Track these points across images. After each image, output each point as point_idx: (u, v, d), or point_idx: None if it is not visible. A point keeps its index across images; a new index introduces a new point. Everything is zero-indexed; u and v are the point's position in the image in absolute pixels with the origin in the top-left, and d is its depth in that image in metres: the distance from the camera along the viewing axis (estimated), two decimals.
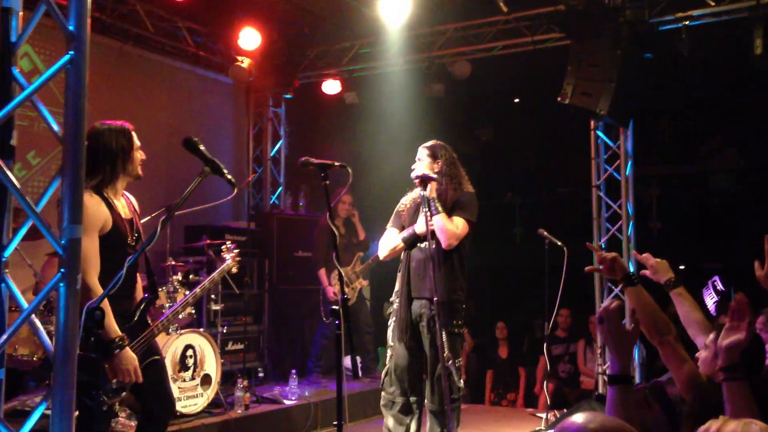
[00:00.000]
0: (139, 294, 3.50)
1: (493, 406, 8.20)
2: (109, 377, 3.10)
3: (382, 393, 4.43)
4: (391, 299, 4.50)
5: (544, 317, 6.30)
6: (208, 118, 8.43)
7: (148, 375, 3.30)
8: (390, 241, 4.46)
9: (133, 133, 3.38)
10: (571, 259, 5.82)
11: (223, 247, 4.40)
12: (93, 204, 3.15)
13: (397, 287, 4.42)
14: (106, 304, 3.01)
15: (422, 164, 4.39)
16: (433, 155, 4.42)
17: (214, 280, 4.07)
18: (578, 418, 1.56)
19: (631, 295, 2.98)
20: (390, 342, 4.39)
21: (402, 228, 4.46)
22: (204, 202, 3.59)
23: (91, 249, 3.08)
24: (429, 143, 4.50)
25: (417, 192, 4.33)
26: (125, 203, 3.42)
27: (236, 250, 4.31)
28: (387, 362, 4.41)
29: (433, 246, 4.09)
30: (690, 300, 3.13)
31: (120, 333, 3.11)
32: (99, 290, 3.04)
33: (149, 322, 3.45)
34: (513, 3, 6.96)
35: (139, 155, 3.40)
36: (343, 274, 3.96)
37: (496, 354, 8.80)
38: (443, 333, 4.07)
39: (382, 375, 4.43)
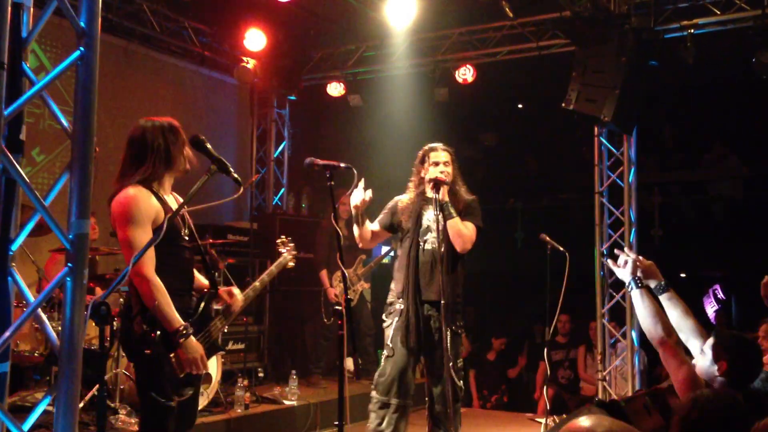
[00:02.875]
0: (201, 285, 3.44)
1: (483, 409, 8.23)
2: (176, 370, 3.04)
3: (374, 395, 4.33)
4: (389, 300, 4.43)
5: (545, 323, 6.29)
6: (213, 118, 8.45)
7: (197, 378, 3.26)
8: (357, 231, 4.41)
9: (181, 129, 3.28)
10: (572, 265, 5.83)
11: (279, 241, 4.22)
12: (143, 197, 3.07)
13: (398, 288, 4.36)
14: (167, 296, 3.00)
15: (450, 168, 4.37)
16: (453, 159, 4.43)
17: (273, 273, 3.94)
18: (585, 421, 1.56)
19: (635, 297, 3.03)
20: (389, 343, 4.30)
21: (390, 226, 4.46)
22: (208, 201, 3.59)
23: (145, 240, 2.96)
24: (445, 146, 4.46)
25: (411, 193, 4.39)
26: (174, 199, 3.32)
27: (292, 244, 4.19)
28: (383, 363, 4.32)
29: (442, 248, 4.11)
30: (683, 304, 3.14)
31: (183, 322, 3.05)
32: (158, 282, 2.98)
33: (212, 315, 3.39)
34: (518, 8, 6.97)
35: (187, 151, 3.28)
36: (347, 275, 3.98)
37: (485, 357, 8.97)
38: (449, 334, 4.09)
39: (376, 377, 4.36)
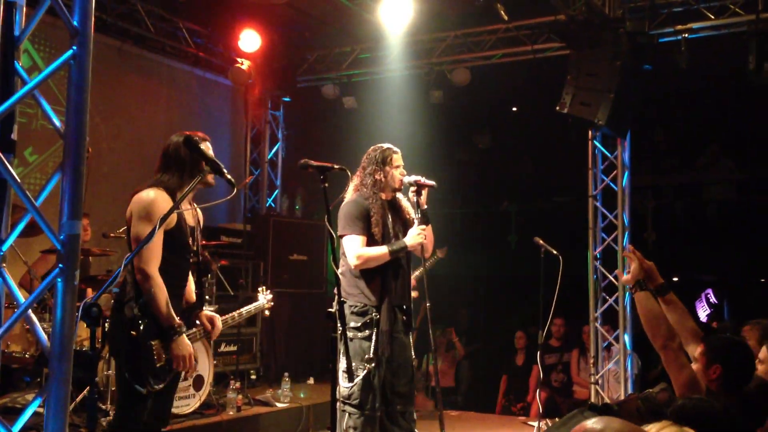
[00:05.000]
0: (190, 297, 3.57)
1: (479, 413, 8.19)
2: (156, 358, 3.17)
3: (358, 411, 4.00)
4: (359, 310, 4.11)
5: (538, 326, 6.29)
6: (207, 119, 8.42)
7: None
8: (374, 253, 4.09)
9: (208, 144, 3.43)
10: (565, 268, 5.83)
11: (260, 288, 4.43)
12: (162, 199, 3.23)
13: (371, 298, 4.10)
14: (166, 294, 3.17)
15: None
16: None
17: (247, 313, 4.10)
18: (597, 424, 1.54)
19: (639, 299, 3.05)
20: (371, 355, 4.02)
21: (371, 236, 4.13)
22: (202, 202, 3.59)
23: (156, 241, 3.16)
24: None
25: (363, 195, 4.17)
26: (192, 212, 3.50)
27: (271, 296, 4.36)
28: (362, 377, 3.99)
29: (433, 257, 4.20)
30: (682, 306, 3.16)
31: (179, 321, 3.22)
32: (159, 280, 3.14)
33: (195, 327, 3.53)
34: (513, 12, 6.98)
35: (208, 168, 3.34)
36: (341, 277, 3.97)
37: (513, 361, 8.80)
38: (411, 338, 4.22)
39: (357, 391, 4.00)
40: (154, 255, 3.17)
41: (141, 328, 3.13)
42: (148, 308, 3.15)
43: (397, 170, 4.24)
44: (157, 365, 3.18)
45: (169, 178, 3.31)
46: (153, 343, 3.17)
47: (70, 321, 1.95)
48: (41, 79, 2.00)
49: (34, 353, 4.92)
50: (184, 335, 3.24)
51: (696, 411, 2.29)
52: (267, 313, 4.38)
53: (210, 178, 3.33)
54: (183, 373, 3.34)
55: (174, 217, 3.27)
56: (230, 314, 3.95)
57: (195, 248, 3.48)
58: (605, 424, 1.54)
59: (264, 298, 4.32)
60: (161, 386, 3.24)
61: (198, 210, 3.59)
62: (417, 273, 7.11)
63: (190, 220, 3.46)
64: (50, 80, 2.04)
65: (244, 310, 4.08)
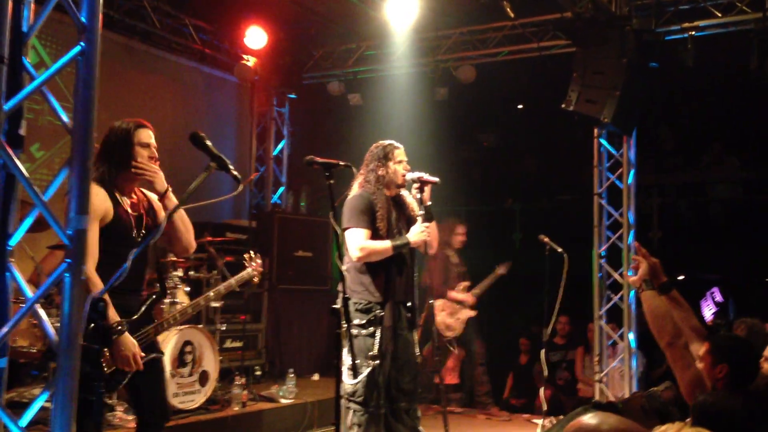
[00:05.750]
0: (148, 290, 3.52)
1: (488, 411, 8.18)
2: (105, 365, 3.08)
3: (362, 408, 4.03)
4: (363, 307, 4.12)
5: (542, 323, 6.30)
6: (212, 116, 8.44)
7: (147, 374, 3.27)
8: (377, 246, 4.10)
9: (138, 130, 3.34)
10: (570, 266, 5.82)
11: (246, 255, 4.13)
12: (93, 195, 3.08)
13: (375, 295, 4.12)
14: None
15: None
16: None
17: (231, 286, 3.91)
18: (591, 419, 1.56)
19: (645, 298, 3.06)
20: (375, 352, 4.01)
21: (375, 231, 4.14)
22: (207, 199, 3.59)
23: (90, 239, 3.04)
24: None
25: (381, 193, 4.19)
26: (139, 199, 3.42)
27: (259, 261, 4.09)
28: (366, 373, 3.97)
29: (428, 251, 4.21)
30: (686, 305, 3.17)
31: (118, 319, 3.10)
32: (96, 279, 3.03)
33: (154, 319, 3.43)
34: (519, 9, 6.97)
35: (143, 151, 3.34)
36: (345, 274, 3.97)
37: (517, 360, 8.78)
38: (415, 334, 4.22)
39: (361, 388, 4.02)
40: (88, 254, 3.06)
41: (85, 335, 3.05)
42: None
43: (399, 165, 4.25)
44: (107, 371, 3.09)
45: (101, 169, 3.24)
46: (104, 349, 3.04)
47: (78, 315, 1.96)
48: (49, 75, 2.01)
49: (41, 348, 4.94)
50: (127, 334, 3.11)
51: (717, 408, 2.30)
52: (256, 280, 4.07)
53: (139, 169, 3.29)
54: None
55: (109, 211, 3.21)
56: (206, 294, 3.82)
57: (141, 237, 3.33)
58: (600, 419, 1.56)
59: (251, 266, 4.03)
60: (118, 388, 3.20)
61: (152, 197, 3.49)
62: (477, 290, 7.10)
63: (135, 210, 3.38)
64: (57, 76, 2.05)
65: (222, 286, 3.89)
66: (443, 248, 7.01)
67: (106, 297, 2.98)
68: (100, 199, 3.19)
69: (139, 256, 3.31)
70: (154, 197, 3.51)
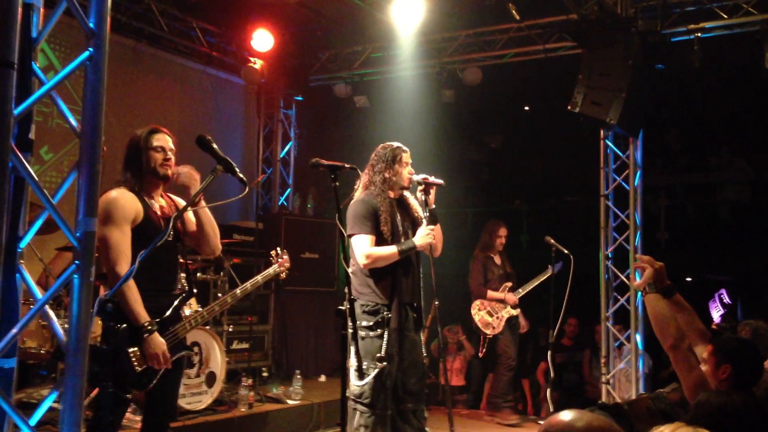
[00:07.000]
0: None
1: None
2: (136, 364, 3.15)
3: (369, 410, 4.01)
4: (370, 309, 4.12)
5: (549, 325, 6.29)
6: (219, 118, 8.48)
7: (169, 372, 3.33)
8: (383, 252, 4.10)
9: (151, 135, 3.43)
10: (577, 268, 5.82)
11: (273, 252, 4.12)
12: (123, 198, 3.26)
13: (381, 297, 4.11)
14: (136, 292, 3.16)
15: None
16: None
17: (257, 283, 3.89)
18: (565, 415, 1.57)
19: (649, 301, 3.07)
20: (382, 354, 4.00)
21: (380, 235, 4.13)
22: (214, 201, 3.62)
23: (122, 240, 3.18)
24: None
25: (385, 195, 4.18)
26: (166, 203, 3.50)
27: (286, 257, 4.08)
28: (373, 376, 3.94)
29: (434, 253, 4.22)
30: (689, 308, 3.17)
31: (148, 319, 3.18)
32: (130, 281, 3.10)
33: (182, 318, 3.48)
34: (525, 11, 6.98)
35: (156, 155, 3.41)
36: (351, 276, 3.98)
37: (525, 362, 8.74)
38: (422, 336, 4.23)
39: (368, 390, 4.00)
40: (122, 255, 3.17)
41: (117, 335, 3.10)
42: (120, 310, 3.11)
43: (405, 168, 4.26)
44: (138, 370, 3.17)
45: (127, 174, 3.37)
46: (131, 350, 3.15)
47: (86, 316, 1.99)
48: (58, 80, 2.04)
49: (50, 349, 4.98)
50: (157, 333, 3.20)
51: (717, 406, 2.31)
52: (283, 276, 4.05)
53: (160, 169, 3.40)
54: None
55: (140, 213, 3.29)
56: (233, 291, 3.81)
57: (173, 238, 3.42)
58: (575, 416, 1.56)
59: (277, 262, 4.03)
60: (150, 386, 3.25)
61: (178, 201, 3.58)
62: (521, 290, 7.10)
63: (164, 213, 3.44)
64: (66, 80, 2.07)
65: (249, 283, 3.85)
66: (485, 251, 7.07)
67: (134, 293, 3.13)
68: (129, 202, 3.27)
69: (171, 257, 3.45)
70: (182, 202, 3.58)
